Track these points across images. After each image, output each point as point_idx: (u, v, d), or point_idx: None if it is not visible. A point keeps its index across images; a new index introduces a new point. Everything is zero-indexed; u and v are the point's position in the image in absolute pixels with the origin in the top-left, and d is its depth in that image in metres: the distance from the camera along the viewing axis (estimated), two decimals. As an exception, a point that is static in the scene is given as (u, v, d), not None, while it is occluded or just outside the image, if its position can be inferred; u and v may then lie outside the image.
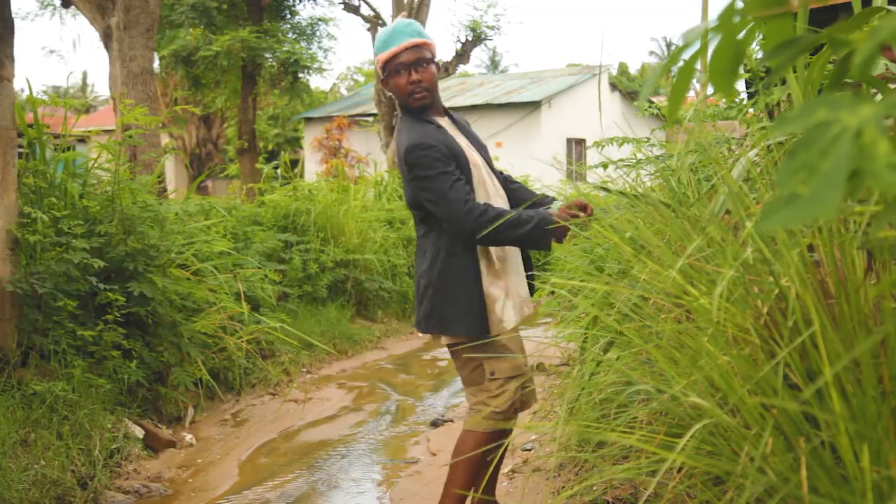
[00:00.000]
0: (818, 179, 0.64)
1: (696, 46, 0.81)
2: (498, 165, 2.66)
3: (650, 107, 3.78)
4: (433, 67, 2.43)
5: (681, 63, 0.83)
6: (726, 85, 0.83)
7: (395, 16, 13.26)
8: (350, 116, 17.99)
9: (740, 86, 3.67)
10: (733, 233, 1.65)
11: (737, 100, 3.25)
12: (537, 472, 3.05)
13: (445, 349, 2.59)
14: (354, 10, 14.02)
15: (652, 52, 38.85)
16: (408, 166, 2.35)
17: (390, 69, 2.41)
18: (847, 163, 0.63)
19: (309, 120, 20.22)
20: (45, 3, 16.10)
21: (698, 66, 0.84)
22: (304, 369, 5.44)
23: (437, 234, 2.41)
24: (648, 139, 3.39)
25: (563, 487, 2.65)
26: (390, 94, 2.50)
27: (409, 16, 13.04)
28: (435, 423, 4.16)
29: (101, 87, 43.86)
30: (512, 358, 2.40)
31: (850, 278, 1.36)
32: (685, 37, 0.81)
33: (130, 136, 4.30)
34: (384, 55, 2.40)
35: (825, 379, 1.18)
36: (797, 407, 1.24)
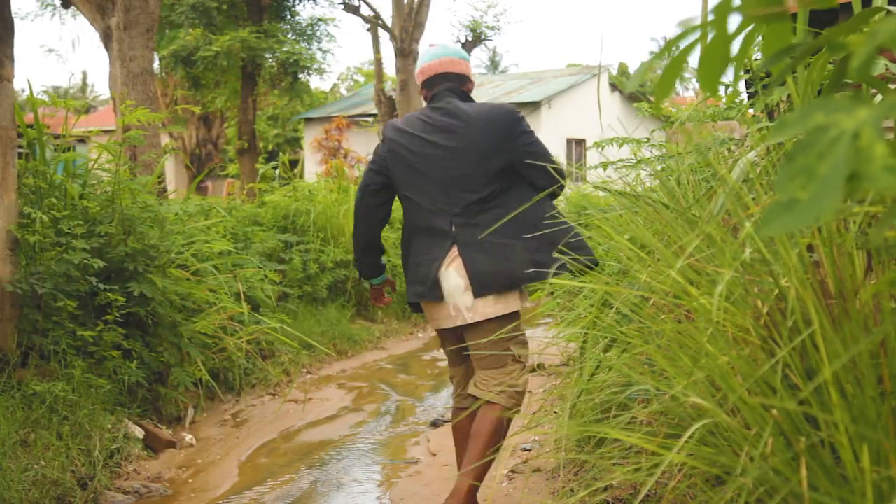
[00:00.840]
0: (817, 183, 0.64)
1: (691, 38, 0.82)
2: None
3: (650, 108, 3.78)
4: None
5: (675, 52, 0.84)
6: (713, 83, 0.83)
7: (395, 16, 13.25)
8: (350, 117, 17.98)
9: (740, 86, 3.67)
10: (733, 233, 1.65)
11: (736, 100, 3.26)
12: (537, 472, 3.05)
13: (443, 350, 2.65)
14: (354, 10, 14.01)
15: (652, 53, 38.83)
16: (516, 121, 2.62)
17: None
18: (845, 166, 0.63)
19: (309, 120, 20.22)
20: (45, 3, 16.09)
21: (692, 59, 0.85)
22: (304, 370, 5.44)
23: (517, 198, 2.56)
24: (648, 139, 3.40)
25: (563, 487, 2.65)
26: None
27: (409, 15, 13.06)
28: (435, 424, 4.16)
29: (101, 87, 43.79)
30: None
31: (849, 278, 1.36)
32: (682, 25, 0.81)
33: (131, 137, 4.30)
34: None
35: (824, 377, 1.18)
36: (797, 407, 1.25)
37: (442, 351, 2.59)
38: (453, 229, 2.59)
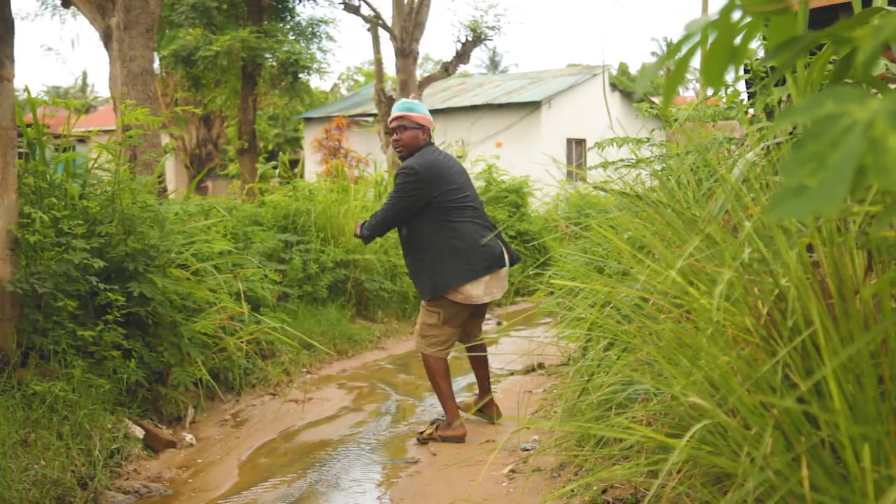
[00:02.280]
0: (827, 171, 0.63)
1: (696, 39, 0.82)
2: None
3: (650, 108, 3.78)
4: (410, 132, 3.73)
5: (680, 54, 0.84)
6: (718, 78, 0.83)
7: (395, 16, 13.25)
8: (350, 117, 17.99)
9: (741, 86, 3.66)
10: (733, 233, 1.65)
11: (737, 100, 3.25)
12: (537, 471, 3.05)
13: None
14: (354, 10, 14.01)
15: (653, 53, 38.78)
16: None
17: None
18: (857, 155, 0.62)
19: (309, 120, 20.22)
20: (45, 4, 16.09)
21: (696, 59, 0.85)
22: (304, 369, 5.43)
23: None
24: (648, 139, 3.40)
25: (563, 487, 2.65)
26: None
27: (409, 16, 13.06)
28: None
29: (101, 87, 43.81)
30: None
31: (849, 278, 1.36)
32: (687, 28, 0.81)
33: (130, 137, 4.30)
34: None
35: (823, 373, 1.18)
36: (797, 406, 1.24)
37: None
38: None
